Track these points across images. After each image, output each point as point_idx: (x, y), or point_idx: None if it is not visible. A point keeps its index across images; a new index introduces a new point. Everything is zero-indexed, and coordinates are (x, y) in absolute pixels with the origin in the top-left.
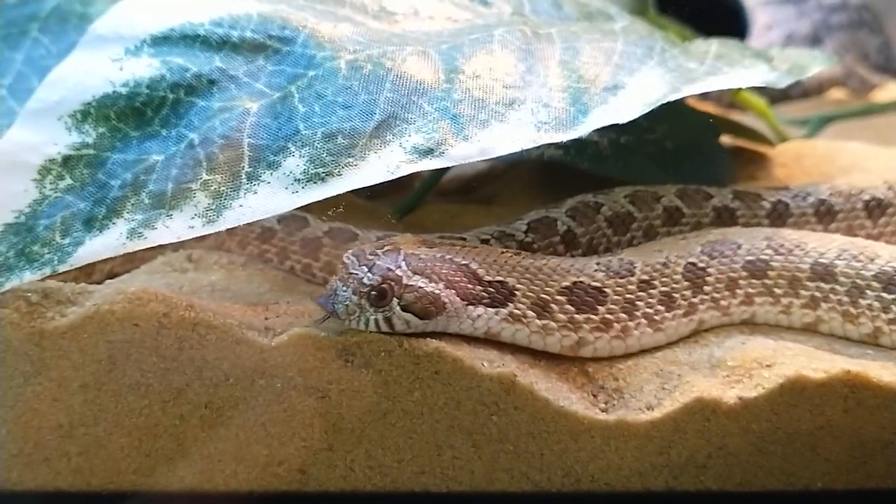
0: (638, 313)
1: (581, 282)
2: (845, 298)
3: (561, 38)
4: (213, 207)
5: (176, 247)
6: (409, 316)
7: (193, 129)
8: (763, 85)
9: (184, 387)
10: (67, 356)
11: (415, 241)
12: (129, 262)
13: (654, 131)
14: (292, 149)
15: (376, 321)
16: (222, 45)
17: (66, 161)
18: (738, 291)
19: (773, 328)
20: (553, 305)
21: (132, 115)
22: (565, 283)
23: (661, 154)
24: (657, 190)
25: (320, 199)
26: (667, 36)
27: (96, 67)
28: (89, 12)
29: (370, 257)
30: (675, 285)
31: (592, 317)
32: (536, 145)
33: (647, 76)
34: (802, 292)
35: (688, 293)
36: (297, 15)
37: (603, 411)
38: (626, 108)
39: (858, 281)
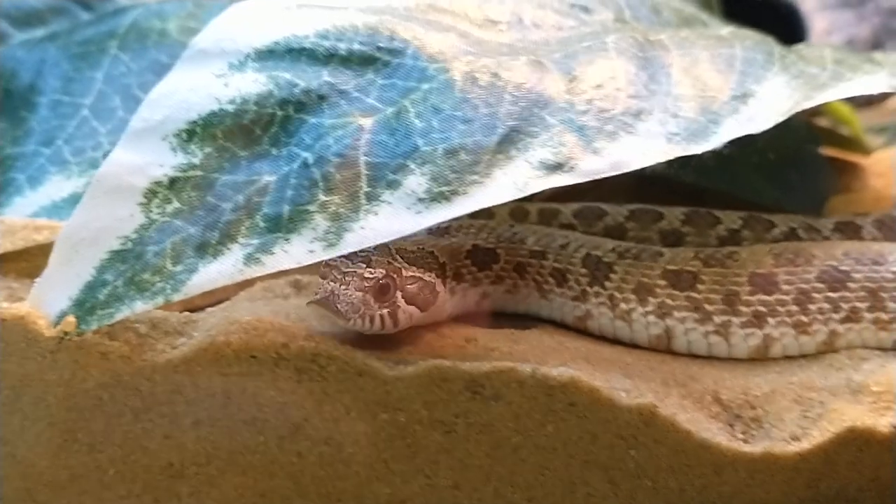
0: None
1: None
2: None
3: (674, 44)
4: (333, 230)
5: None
6: (412, 308)
7: (306, 148)
8: (890, 90)
9: (302, 422)
10: (180, 391)
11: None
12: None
13: (755, 141)
14: (412, 167)
15: (381, 317)
16: (329, 58)
17: (173, 183)
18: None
19: None
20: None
21: (240, 133)
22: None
23: (765, 165)
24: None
25: (445, 220)
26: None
27: (200, 84)
28: (168, 28)
29: (363, 254)
30: None
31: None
32: (669, 158)
33: (775, 83)
34: None
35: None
36: (404, 25)
37: (743, 442)
38: (760, 116)
39: None
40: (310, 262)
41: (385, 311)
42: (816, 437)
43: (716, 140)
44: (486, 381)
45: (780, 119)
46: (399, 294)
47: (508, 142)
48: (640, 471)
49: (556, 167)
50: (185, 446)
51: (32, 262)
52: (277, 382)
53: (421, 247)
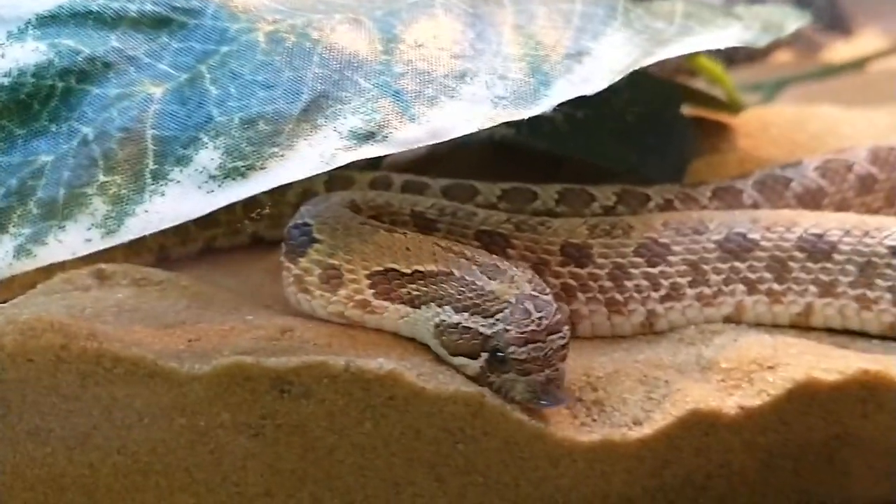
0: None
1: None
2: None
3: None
4: (114, 215)
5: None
6: None
7: (87, 123)
8: (741, 45)
9: (91, 430)
10: None
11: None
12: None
13: (612, 103)
14: (205, 139)
15: None
16: (118, 21)
17: None
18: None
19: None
20: None
21: (16, 109)
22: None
23: (623, 129)
24: None
25: (241, 199)
26: None
27: None
28: None
29: (540, 320)
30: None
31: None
32: (495, 124)
33: (614, 39)
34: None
35: None
36: None
37: (583, 427)
38: (594, 76)
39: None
40: (87, 253)
41: None
42: (659, 420)
43: (546, 103)
44: (295, 377)
45: (617, 78)
46: None
47: (315, 109)
48: (469, 466)
49: (368, 136)
50: None
51: None
52: (59, 388)
53: None
